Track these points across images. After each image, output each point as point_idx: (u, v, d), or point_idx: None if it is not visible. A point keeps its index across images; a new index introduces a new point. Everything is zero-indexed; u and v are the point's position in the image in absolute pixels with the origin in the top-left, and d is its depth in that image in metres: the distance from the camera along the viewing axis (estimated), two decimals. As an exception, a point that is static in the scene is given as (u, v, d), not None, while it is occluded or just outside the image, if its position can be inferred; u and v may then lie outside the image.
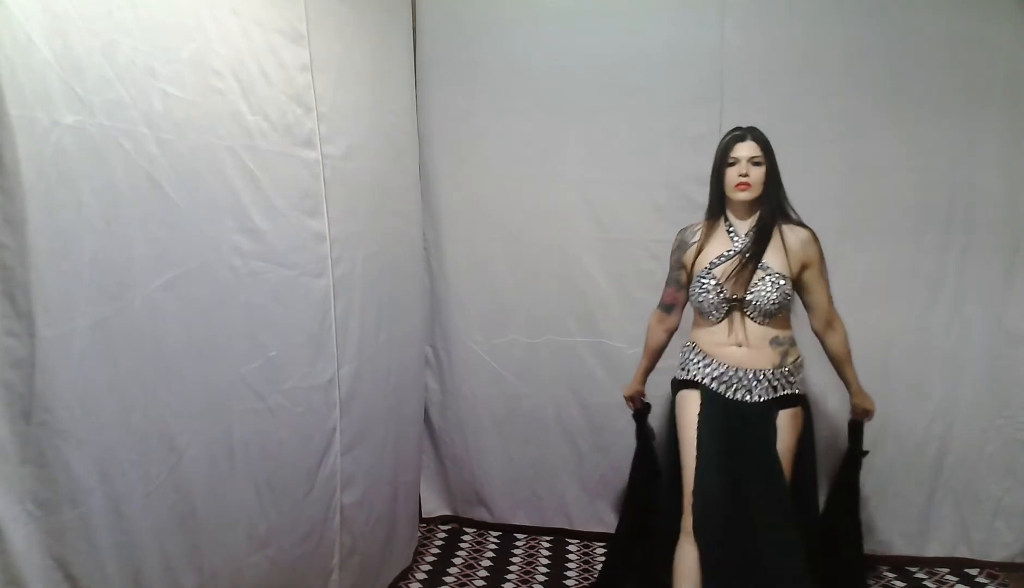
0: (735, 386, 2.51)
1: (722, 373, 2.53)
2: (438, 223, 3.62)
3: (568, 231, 3.50)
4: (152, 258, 1.72)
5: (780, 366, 2.52)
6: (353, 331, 2.64)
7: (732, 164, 2.53)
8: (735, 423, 2.49)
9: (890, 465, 3.29)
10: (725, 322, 2.55)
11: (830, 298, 2.61)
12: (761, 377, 2.50)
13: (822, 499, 2.90)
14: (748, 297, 2.49)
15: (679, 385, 2.66)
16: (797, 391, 2.54)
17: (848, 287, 3.18)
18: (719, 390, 2.53)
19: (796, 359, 2.58)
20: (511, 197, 3.53)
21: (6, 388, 1.41)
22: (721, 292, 2.52)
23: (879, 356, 3.22)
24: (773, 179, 2.56)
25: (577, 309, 3.54)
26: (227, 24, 1.96)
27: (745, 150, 2.53)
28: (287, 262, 2.24)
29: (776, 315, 2.51)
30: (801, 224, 2.59)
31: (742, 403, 2.50)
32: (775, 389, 2.50)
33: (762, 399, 2.49)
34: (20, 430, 1.43)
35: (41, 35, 1.43)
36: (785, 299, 2.49)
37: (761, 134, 2.55)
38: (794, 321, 2.65)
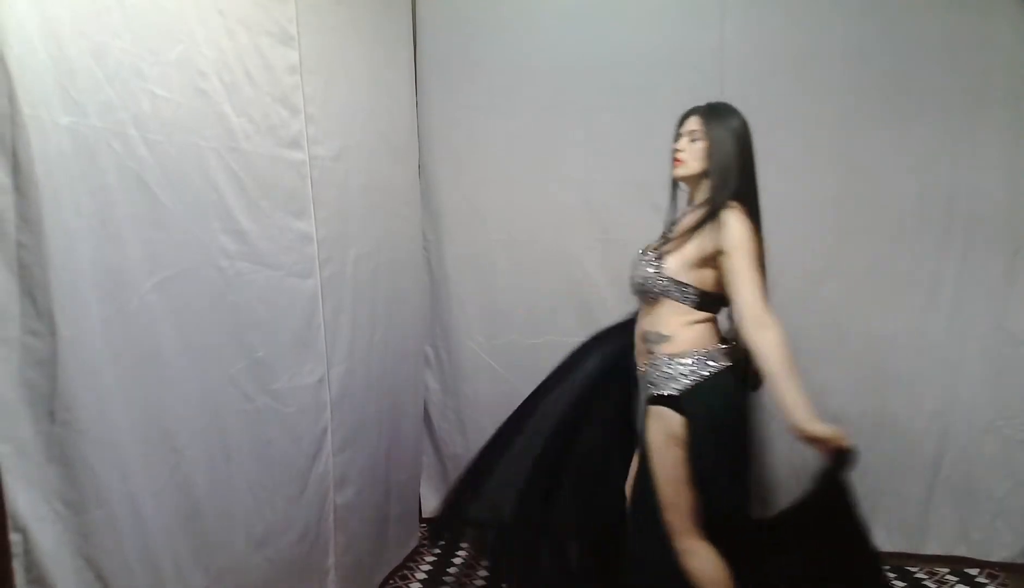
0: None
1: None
2: (438, 223, 3.62)
3: (568, 231, 3.50)
4: (144, 259, 1.74)
5: (650, 364, 2.32)
6: (344, 331, 2.65)
7: (676, 139, 2.38)
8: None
9: (889, 464, 3.27)
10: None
11: (756, 294, 2.12)
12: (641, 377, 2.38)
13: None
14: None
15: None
16: (664, 392, 2.23)
17: (848, 288, 3.19)
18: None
19: (674, 355, 2.25)
20: (511, 197, 3.53)
21: (29, 388, 1.42)
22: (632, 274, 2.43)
23: (879, 356, 3.22)
24: (717, 156, 2.27)
25: (577, 309, 3.53)
26: (213, 25, 1.96)
27: (687, 125, 2.35)
28: (272, 263, 2.25)
29: (654, 303, 2.33)
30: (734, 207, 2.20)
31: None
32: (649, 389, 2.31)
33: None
34: (44, 429, 1.44)
35: (38, 37, 1.44)
36: (651, 283, 2.30)
37: (713, 109, 2.33)
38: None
